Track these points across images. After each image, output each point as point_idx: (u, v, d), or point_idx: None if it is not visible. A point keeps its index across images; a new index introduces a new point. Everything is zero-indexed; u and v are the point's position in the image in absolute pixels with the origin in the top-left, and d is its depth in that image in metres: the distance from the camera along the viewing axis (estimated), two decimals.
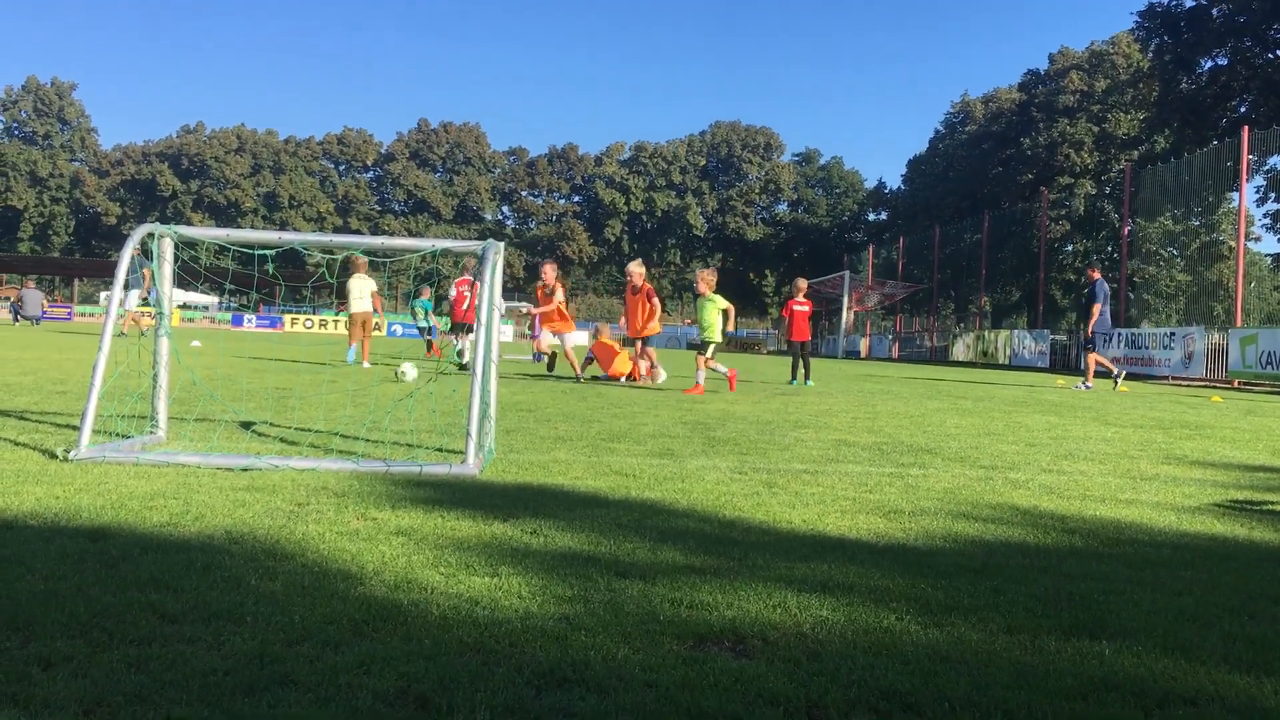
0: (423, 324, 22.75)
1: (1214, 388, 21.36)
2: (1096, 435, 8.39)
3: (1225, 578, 3.36)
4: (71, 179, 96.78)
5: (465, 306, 17.19)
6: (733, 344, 73.49)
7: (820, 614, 2.75)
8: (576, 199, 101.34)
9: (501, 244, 5.86)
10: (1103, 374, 18.55)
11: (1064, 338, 38.63)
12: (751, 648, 2.47)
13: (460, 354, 17.15)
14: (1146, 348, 26.77)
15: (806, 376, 16.12)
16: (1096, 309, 17.36)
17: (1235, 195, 28.62)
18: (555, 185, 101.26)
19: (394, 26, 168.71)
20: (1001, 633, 2.65)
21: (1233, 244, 36.90)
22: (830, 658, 2.40)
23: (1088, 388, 17.35)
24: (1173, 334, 25.63)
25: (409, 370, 12.80)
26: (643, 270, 14.34)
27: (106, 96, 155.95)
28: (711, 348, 13.04)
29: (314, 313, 67.07)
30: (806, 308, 16.73)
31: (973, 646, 2.53)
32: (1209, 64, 44.64)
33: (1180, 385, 22.42)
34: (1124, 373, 18.14)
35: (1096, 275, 17.96)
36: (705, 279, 13.43)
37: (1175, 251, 49.98)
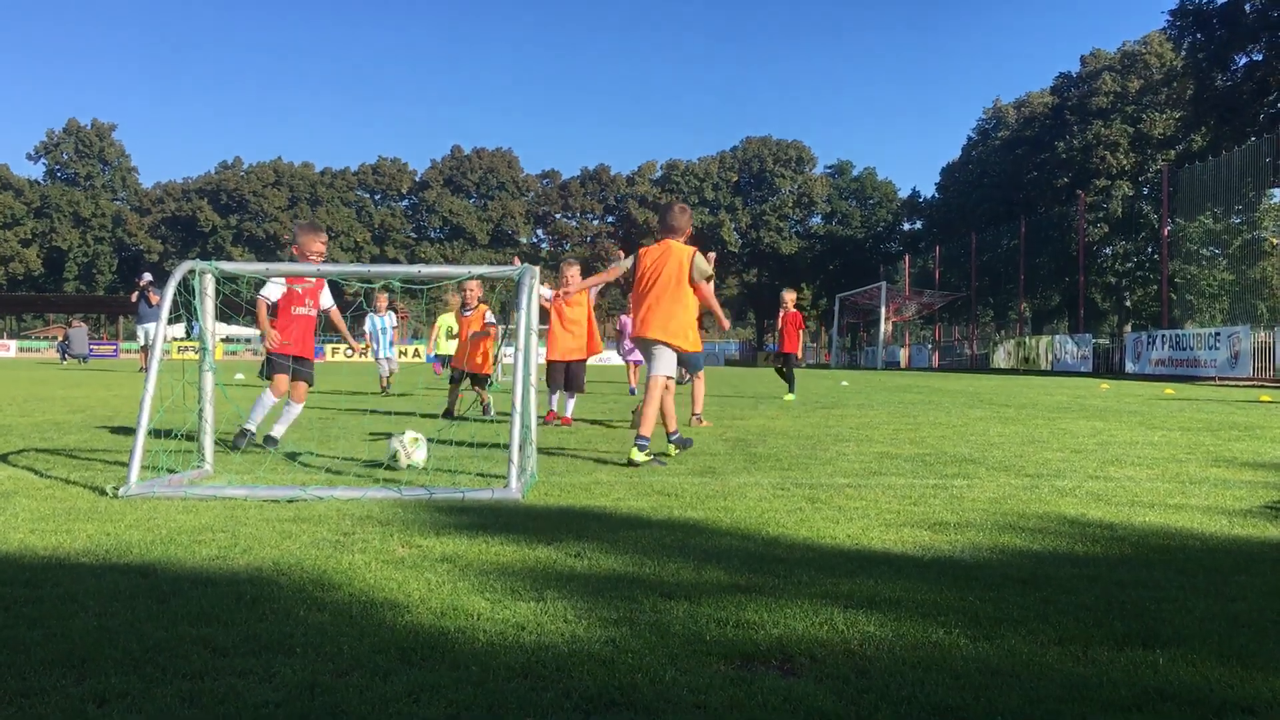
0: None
1: (1262, 387, 21.01)
2: (1143, 440, 8.28)
3: None
4: (114, 218, 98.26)
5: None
6: (771, 358, 73.12)
7: (868, 630, 2.73)
8: (610, 219, 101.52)
9: (537, 268, 5.90)
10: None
11: (1106, 341, 38.21)
12: (799, 666, 2.46)
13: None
14: (1191, 348, 26.40)
15: (790, 388, 15.61)
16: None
17: (1276, 191, 28.19)
18: (588, 207, 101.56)
19: (425, 55, 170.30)
20: (1052, 644, 2.62)
21: (1275, 240, 36.34)
22: (879, 674, 2.39)
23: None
24: (1218, 334, 25.27)
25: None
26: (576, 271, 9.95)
27: (145, 135, 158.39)
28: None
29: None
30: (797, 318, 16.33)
31: (1023, 659, 2.50)
32: (1244, 60, 44.18)
33: (1227, 386, 22.07)
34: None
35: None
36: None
37: (1217, 250, 49.26)
